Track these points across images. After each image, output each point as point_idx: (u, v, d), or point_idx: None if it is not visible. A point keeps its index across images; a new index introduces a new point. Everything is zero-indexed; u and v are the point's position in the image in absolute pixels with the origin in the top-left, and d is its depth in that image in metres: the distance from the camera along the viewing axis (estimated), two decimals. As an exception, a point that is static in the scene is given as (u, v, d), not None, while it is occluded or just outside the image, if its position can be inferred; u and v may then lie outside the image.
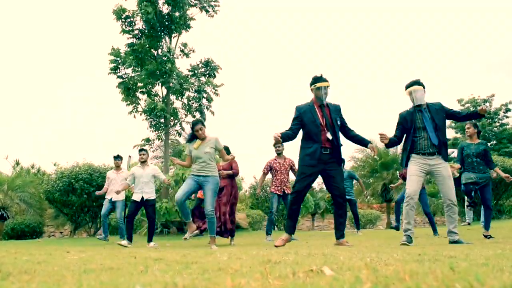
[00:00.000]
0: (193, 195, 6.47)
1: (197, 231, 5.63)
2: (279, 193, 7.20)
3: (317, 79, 4.34)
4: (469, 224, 8.56)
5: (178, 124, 13.14)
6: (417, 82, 4.35)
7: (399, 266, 1.47)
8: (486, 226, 5.53)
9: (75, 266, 1.86)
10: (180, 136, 14.02)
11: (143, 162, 6.74)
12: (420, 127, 4.29)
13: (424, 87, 4.37)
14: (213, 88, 13.00)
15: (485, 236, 5.42)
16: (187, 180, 5.12)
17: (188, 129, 16.60)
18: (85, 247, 5.92)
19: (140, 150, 6.85)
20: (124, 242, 6.35)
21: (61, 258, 2.48)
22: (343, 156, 4.43)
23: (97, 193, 8.22)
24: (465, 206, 5.79)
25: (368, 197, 19.67)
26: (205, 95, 13.03)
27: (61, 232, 14.51)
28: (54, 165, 14.05)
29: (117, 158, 8.07)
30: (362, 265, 1.52)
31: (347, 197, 8.20)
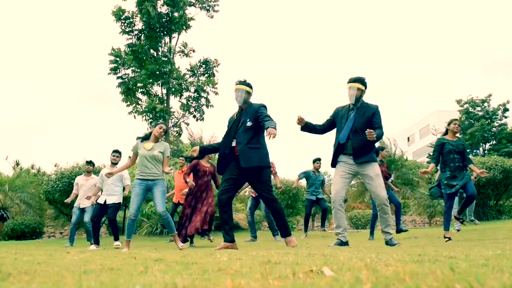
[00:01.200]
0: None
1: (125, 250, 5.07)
2: (253, 195, 7.81)
3: None
4: (458, 231, 8.33)
5: (177, 124, 13.14)
6: (358, 80, 4.12)
7: (399, 266, 1.47)
8: (461, 211, 5.52)
9: (75, 267, 1.86)
10: (180, 136, 14.02)
11: (114, 164, 6.42)
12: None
13: (365, 87, 4.14)
14: (213, 87, 13.02)
15: (456, 218, 5.48)
16: (134, 190, 4.79)
17: (187, 129, 16.57)
18: (85, 248, 5.92)
19: (113, 152, 6.50)
20: (92, 247, 6.05)
21: (61, 259, 2.48)
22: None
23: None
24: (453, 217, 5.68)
25: (368, 197, 19.67)
26: (204, 95, 13.03)
27: (61, 233, 14.49)
28: (55, 166, 14.05)
29: (89, 163, 7.61)
30: (362, 266, 1.52)
31: (319, 196, 8.41)
